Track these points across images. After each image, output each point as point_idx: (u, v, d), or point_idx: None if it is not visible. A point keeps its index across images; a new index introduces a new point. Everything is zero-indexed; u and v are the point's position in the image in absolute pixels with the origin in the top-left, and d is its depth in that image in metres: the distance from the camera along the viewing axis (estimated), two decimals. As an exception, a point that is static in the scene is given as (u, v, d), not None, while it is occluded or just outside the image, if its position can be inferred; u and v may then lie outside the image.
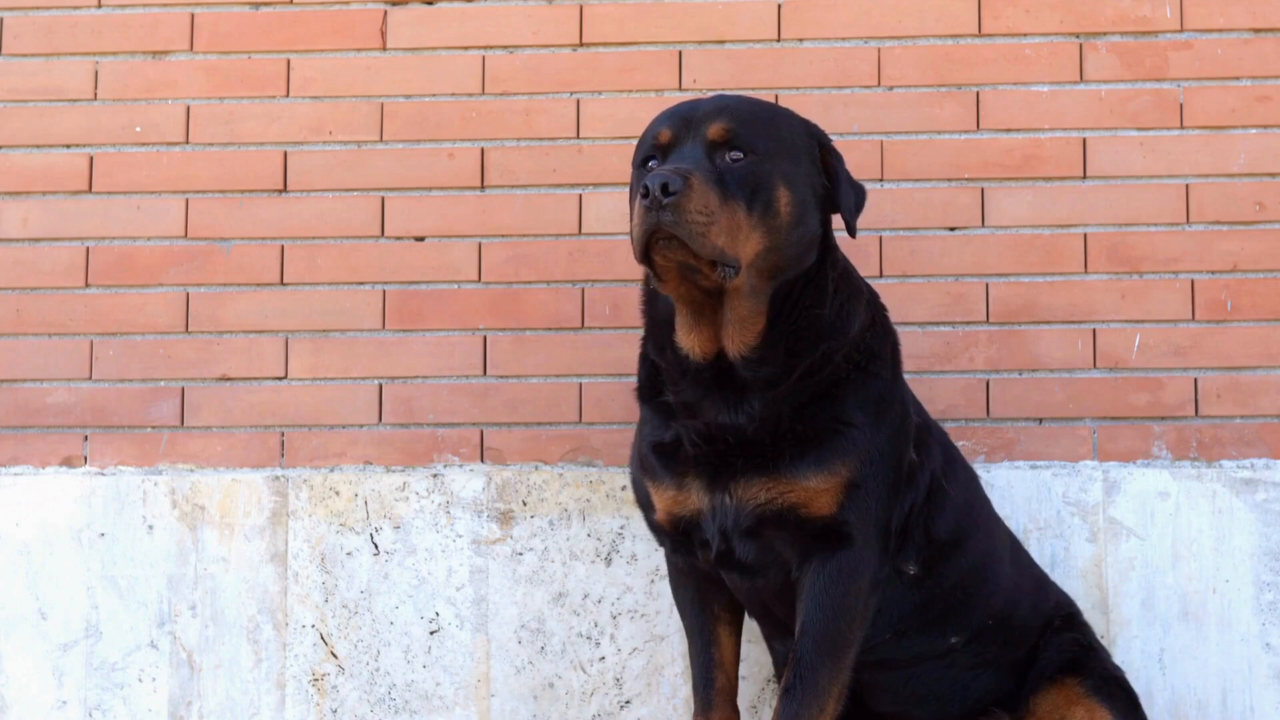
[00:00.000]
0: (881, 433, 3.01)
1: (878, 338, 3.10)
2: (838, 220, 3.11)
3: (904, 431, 3.09)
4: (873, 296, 3.17)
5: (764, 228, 2.90)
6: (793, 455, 2.95)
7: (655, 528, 3.19)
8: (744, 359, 2.97)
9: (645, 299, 3.14)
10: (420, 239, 3.83)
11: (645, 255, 2.86)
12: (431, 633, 3.72)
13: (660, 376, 3.10)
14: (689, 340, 3.00)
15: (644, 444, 3.14)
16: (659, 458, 3.09)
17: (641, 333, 3.17)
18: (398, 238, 3.85)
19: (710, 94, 3.35)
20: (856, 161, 3.76)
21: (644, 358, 3.17)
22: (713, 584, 3.21)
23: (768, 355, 2.97)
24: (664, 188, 2.78)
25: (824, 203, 3.04)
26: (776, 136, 3.00)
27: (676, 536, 3.12)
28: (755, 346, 2.97)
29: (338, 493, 3.76)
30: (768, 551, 3.02)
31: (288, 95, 3.89)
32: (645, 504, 3.18)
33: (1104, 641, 3.47)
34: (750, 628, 3.33)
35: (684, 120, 2.97)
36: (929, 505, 3.13)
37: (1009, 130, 3.77)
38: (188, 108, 3.90)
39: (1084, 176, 3.75)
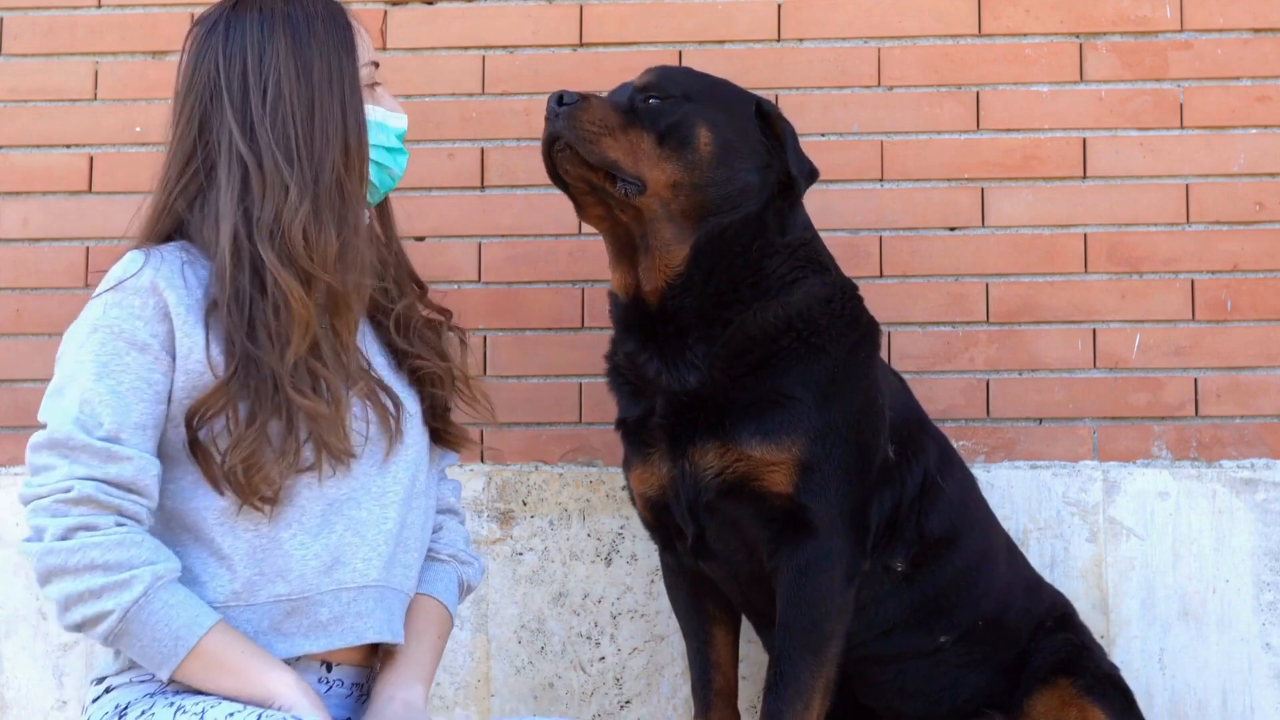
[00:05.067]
0: (831, 413, 2.99)
1: (832, 318, 3.07)
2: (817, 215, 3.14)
3: (869, 420, 3.07)
4: (846, 283, 3.17)
5: (679, 161, 2.97)
6: (732, 422, 2.97)
7: (645, 523, 3.22)
8: (668, 285, 3.00)
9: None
10: (420, 239, 3.82)
11: (553, 172, 3.00)
12: (431, 633, 3.72)
13: (616, 354, 3.17)
14: (616, 278, 3.09)
15: (617, 432, 3.18)
16: (625, 437, 3.14)
17: None
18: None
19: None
20: (856, 161, 3.76)
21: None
22: (706, 583, 3.21)
23: (690, 283, 3.00)
24: (559, 99, 2.94)
25: (769, 161, 3.08)
26: (702, 88, 3.09)
27: (659, 529, 3.15)
28: (678, 274, 3.00)
29: (338, 493, 3.75)
30: (732, 532, 3.03)
31: (288, 95, 3.89)
32: (632, 499, 3.22)
33: (1104, 642, 3.47)
34: (749, 627, 3.33)
35: (622, 86, 3.12)
36: (921, 501, 3.13)
37: (1009, 130, 3.77)
38: (188, 108, 3.90)
39: (1084, 176, 3.75)
